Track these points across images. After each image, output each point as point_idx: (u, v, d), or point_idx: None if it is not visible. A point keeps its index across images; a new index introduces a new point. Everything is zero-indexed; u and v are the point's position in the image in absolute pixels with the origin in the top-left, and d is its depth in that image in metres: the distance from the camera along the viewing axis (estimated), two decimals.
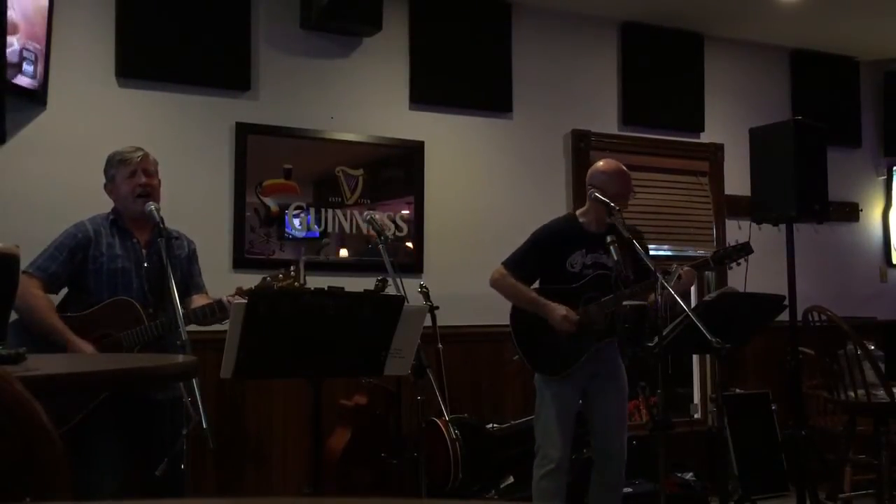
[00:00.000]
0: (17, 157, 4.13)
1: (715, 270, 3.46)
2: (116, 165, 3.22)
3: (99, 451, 2.95)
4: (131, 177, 3.19)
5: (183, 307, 3.11)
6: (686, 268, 3.54)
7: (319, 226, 4.81)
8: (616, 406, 3.69)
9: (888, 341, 5.23)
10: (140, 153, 3.24)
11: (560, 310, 3.56)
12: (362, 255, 4.82)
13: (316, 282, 3.56)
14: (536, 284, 3.78)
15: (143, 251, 3.19)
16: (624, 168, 3.70)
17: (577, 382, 3.65)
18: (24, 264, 3.02)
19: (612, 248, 3.45)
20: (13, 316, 3.00)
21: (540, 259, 3.72)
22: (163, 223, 3.09)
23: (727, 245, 3.64)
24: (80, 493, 2.91)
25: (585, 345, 3.60)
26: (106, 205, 4.19)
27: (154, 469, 2.94)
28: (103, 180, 3.26)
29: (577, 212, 3.81)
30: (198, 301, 3.30)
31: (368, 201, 4.93)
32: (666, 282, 3.32)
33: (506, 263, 3.75)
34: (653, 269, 3.45)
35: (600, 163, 3.77)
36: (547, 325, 3.60)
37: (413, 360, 2.97)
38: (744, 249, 3.61)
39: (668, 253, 5.69)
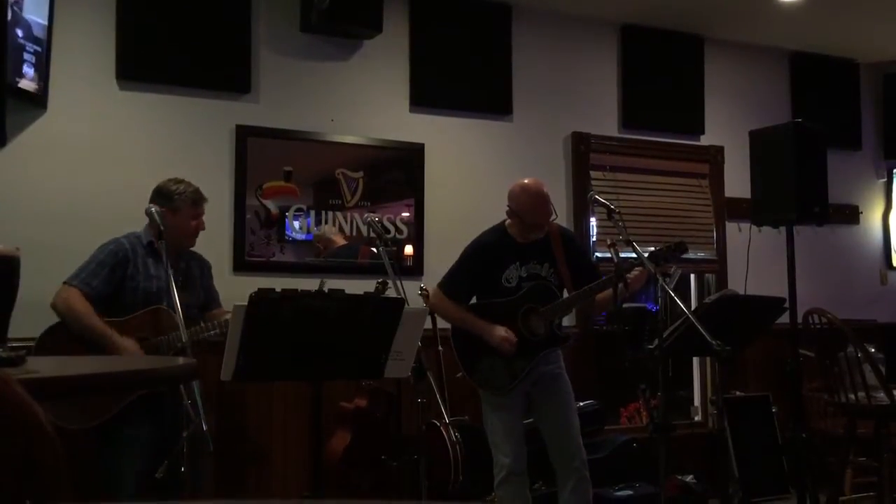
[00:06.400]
0: (18, 160, 4.13)
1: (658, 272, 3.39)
2: (188, 202, 3.47)
3: (125, 437, 3.16)
4: (196, 218, 3.50)
5: (209, 320, 3.47)
6: (637, 269, 3.49)
7: (319, 228, 4.81)
8: (561, 407, 3.70)
9: (888, 344, 5.21)
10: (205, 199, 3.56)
11: (499, 331, 3.58)
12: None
13: (315, 284, 3.56)
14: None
15: (172, 273, 3.35)
16: (544, 194, 3.65)
17: (519, 389, 3.67)
18: (63, 276, 3.30)
19: (611, 250, 3.47)
20: (55, 319, 3.24)
21: (474, 276, 3.72)
22: None
23: (662, 247, 3.58)
24: (105, 477, 3.21)
25: (527, 360, 3.62)
26: (105, 209, 4.20)
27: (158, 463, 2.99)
28: (154, 207, 3.38)
29: (506, 223, 3.75)
30: (219, 313, 3.56)
31: (368, 204, 4.94)
32: (666, 284, 3.32)
33: (441, 286, 3.78)
34: (598, 271, 3.64)
35: (525, 184, 3.68)
36: (488, 345, 3.62)
37: (413, 362, 2.97)
38: (678, 248, 3.55)
39: None
